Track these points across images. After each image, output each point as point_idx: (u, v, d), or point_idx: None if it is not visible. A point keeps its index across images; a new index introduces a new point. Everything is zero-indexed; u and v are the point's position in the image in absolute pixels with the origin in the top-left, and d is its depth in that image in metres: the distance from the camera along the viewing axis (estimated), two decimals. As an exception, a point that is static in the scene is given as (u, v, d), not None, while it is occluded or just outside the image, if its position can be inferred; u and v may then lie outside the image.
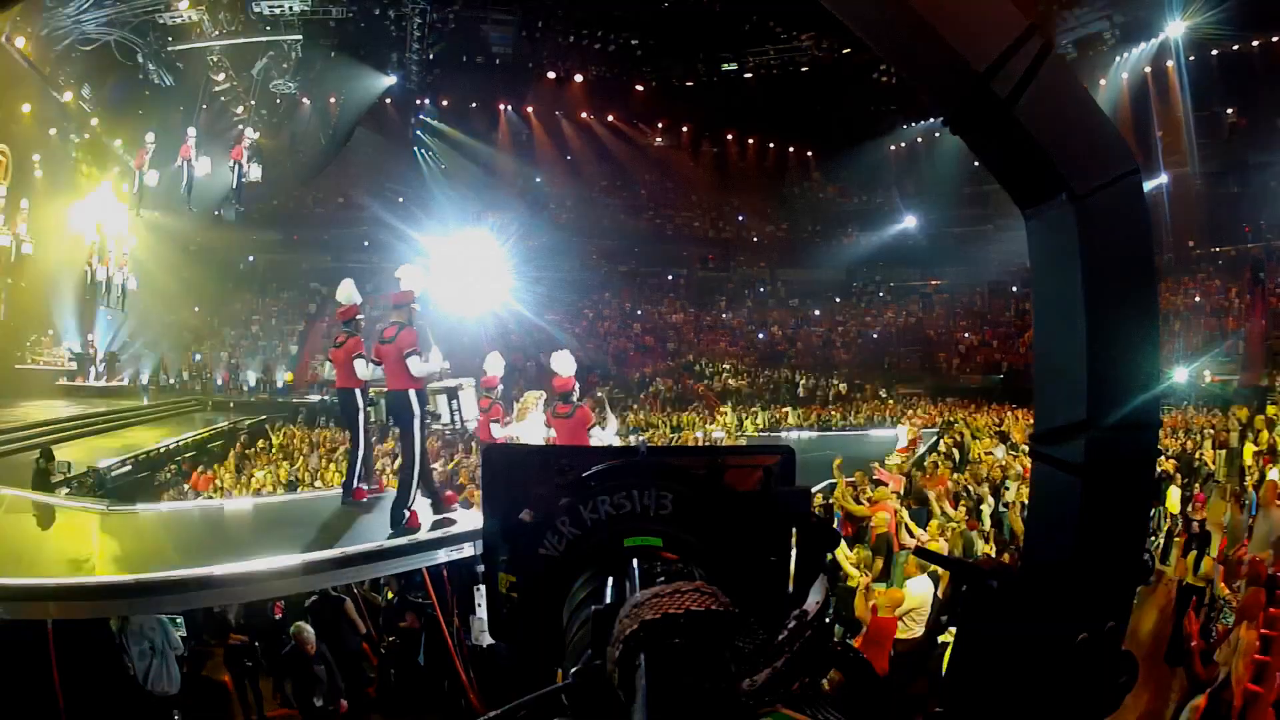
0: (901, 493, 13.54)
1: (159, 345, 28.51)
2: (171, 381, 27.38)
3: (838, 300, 47.87)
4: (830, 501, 12.17)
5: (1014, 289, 44.56)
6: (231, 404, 25.63)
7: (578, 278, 43.62)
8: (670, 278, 47.34)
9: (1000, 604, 1.77)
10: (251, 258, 37.27)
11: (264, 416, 23.83)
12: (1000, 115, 1.89)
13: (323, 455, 18.00)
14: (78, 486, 15.33)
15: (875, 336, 44.40)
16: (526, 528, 1.16)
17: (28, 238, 23.75)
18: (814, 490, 11.15)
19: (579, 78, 41.83)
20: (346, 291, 8.62)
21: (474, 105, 42.81)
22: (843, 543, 9.81)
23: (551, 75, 41.57)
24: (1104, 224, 1.82)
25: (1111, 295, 1.83)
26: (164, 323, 29.45)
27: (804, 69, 40.47)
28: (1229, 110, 37.37)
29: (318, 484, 15.44)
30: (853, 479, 13.35)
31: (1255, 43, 34.23)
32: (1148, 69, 36.12)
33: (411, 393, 7.62)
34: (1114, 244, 1.84)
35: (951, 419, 26.51)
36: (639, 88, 43.44)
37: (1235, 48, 34.36)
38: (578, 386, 9.33)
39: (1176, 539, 11.41)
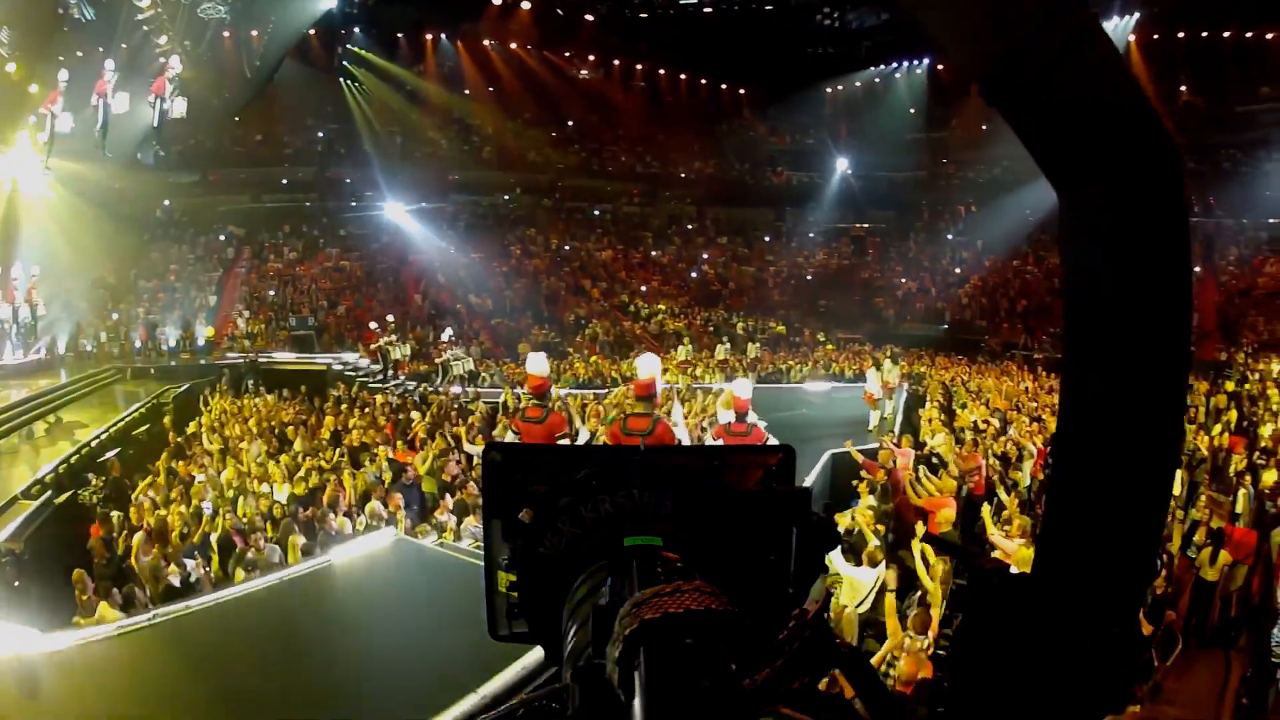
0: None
1: (76, 309, 26.16)
2: (89, 348, 24.83)
3: (767, 240, 47.25)
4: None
5: (949, 236, 44.69)
6: (153, 370, 23.41)
7: (504, 212, 42.39)
8: (597, 213, 45.95)
9: (1002, 603, 1.81)
10: (168, 202, 34.51)
11: (188, 384, 21.66)
12: (1037, 89, 1.92)
13: (264, 445, 15.96)
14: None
15: (810, 279, 43.64)
16: (526, 527, 1.14)
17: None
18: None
19: (526, 4, 40.06)
20: (539, 364, 8.02)
21: (402, 35, 40.65)
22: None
23: (497, 2, 39.71)
24: (1139, 208, 1.83)
25: (1144, 282, 1.86)
26: (80, 283, 27.24)
27: (768, 6, 39.48)
28: (1182, 89, 39.42)
29: (274, 494, 13.16)
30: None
31: (1225, 32, 36.40)
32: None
33: None
34: (1148, 229, 1.83)
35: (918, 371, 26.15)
36: (588, 17, 41.99)
37: (1203, 34, 36.55)
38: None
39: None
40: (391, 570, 9.70)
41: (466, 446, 13.79)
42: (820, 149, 48.24)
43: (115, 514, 12.12)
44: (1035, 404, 21.27)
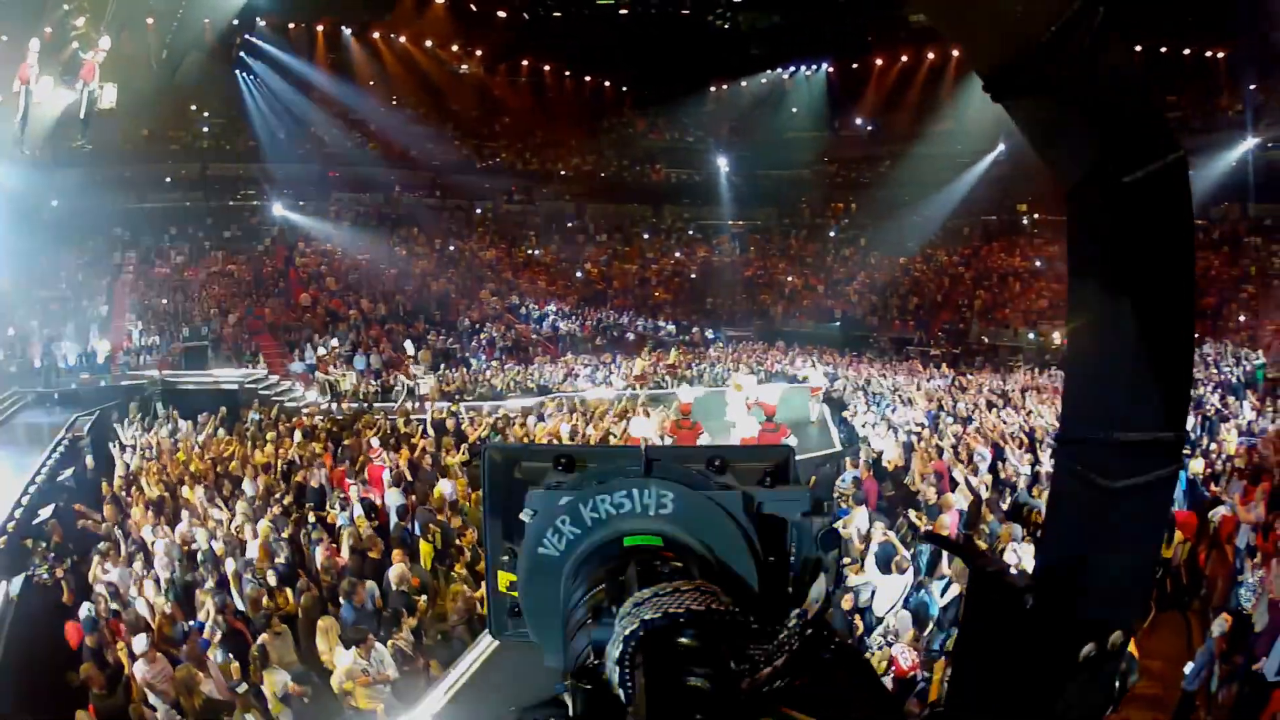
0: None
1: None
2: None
3: (646, 237, 47.54)
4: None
5: (831, 234, 45.76)
6: (56, 394, 21.62)
7: (386, 210, 41.34)
8: (479, 211, 45.28)
9: (1002, 603, 1.73)
10: (55, 202, 31.84)
11: (96, 411, 19.91)
12: (1048, 89, 1.78)
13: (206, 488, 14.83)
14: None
15: (693, 277, 44.00)
16: (526, 527, 1.12)
17: None
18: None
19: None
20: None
21: (294, 24, 38.81)
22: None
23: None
24: (1146, 212, 1.71)
25: (1151, 291, 1.74)
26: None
27: (684, 11, 39.58)
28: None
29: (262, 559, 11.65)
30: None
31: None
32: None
33: None
34: (1155, 234, 1.73)
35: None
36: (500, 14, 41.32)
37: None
38: None
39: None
40: None
41: None
42: (701, 147, 48.74)
43: (86, 607, 10.59)
44: (959, 404, 21.97)
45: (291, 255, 35.15)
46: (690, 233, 47.92)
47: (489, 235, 43.73)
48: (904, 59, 42.96)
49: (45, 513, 14.43)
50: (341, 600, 10.27)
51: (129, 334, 26.94)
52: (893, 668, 8.70)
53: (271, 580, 10.83)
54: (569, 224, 46.84)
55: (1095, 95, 1.66)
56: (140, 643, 9.32)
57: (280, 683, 8.80)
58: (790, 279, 43.30)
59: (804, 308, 41.00)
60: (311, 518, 13.19)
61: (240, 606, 10.62)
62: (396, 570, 10.78)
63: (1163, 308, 1.71)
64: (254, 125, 36.73)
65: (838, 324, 38.65)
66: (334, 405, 23.14)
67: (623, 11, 40.20)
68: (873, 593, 10.51)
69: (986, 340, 35.49)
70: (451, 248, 41.11)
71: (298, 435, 17.99)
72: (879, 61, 43.93)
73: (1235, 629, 9.33)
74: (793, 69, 46.38)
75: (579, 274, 43.03)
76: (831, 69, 45.49)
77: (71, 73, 19.59)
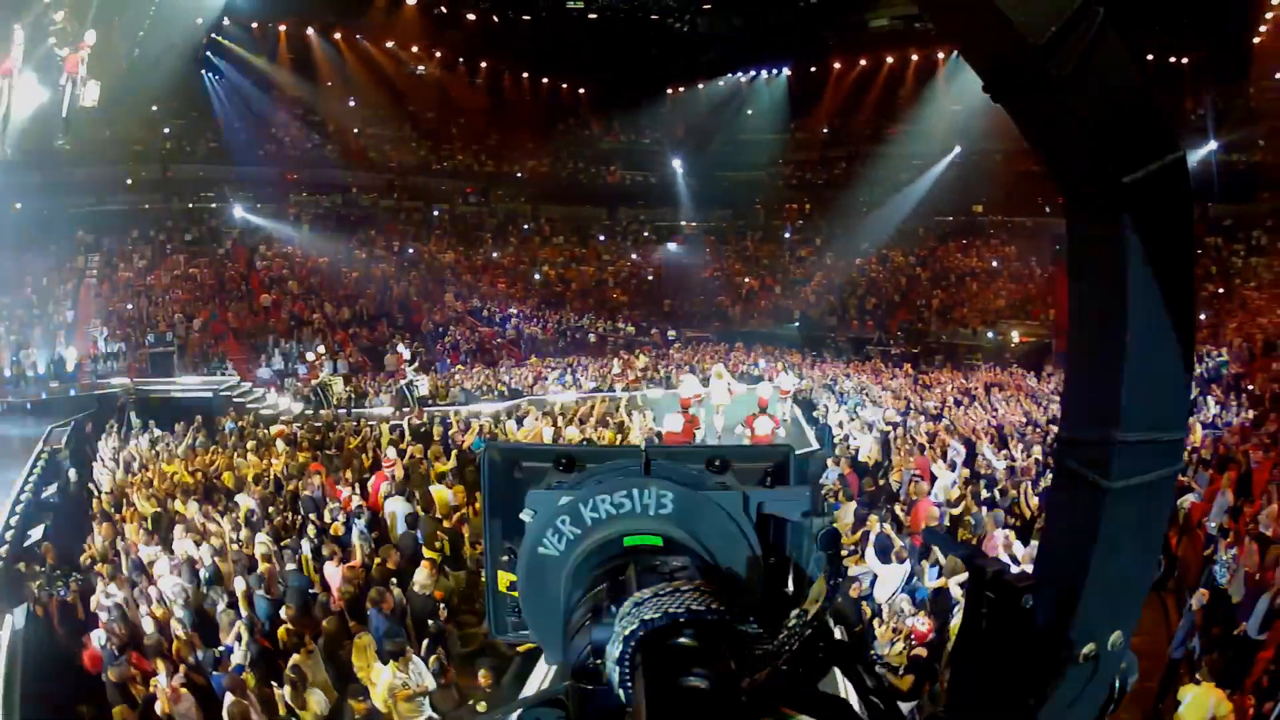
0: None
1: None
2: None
3: (601, 239, 47.64)
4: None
5: (786, 235, 46.08)
6: (28, 404, 21.08)
7: (345, 213, 40.80)
8: (436, 213, 44.94)
9: (1001, 603, 1.70)
10: (20, 204, 30.65)
11: (69, 422, 19.40)
12: (1048, 89, 1.72)
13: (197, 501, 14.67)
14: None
15: (650, 278, 44.11)
16: (526, 527, 1.14)
17: None
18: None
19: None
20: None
21: (257, 24, 37.89)
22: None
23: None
24: (1146, 211, 1.69)
25: (1151, 291, 1.72)
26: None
27: (653, 16, 39.53)
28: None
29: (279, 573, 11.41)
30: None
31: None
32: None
33: None
34: (1155, 233, 1.70)
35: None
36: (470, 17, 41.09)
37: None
38: None
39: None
40: None
41: None
42: (657, 150, 48.69)
43: (100, 636, 10.24)
44: (928, 401, 22.46)
45: (253, 259, 34.62)
46: (645, 234, 48.00)
47: (447, 238, 43.47)
48: (862, 63, 43.34)
49: (36, 533, 14.19)
50: (370, 609, 10.12)
51: (94, 340, 26.37)
52: (913, 637, 9.69)
53: (290, 597, 10.68)
54: (524, 226, 46.66)
55: (1095, 95, 1.71)
56: (164, 676, 9.09)
57: (321, 702, 8.72)
58: (747, 280, 43.56)
59: (761, 309, 41.28)
60: (312, 530, 12.95)
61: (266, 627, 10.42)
62: (421, 574, 10.66)
63: (1163, 308, 1.73)
64: (216, 126, 36.07)
65: (797, 324, 38.89)
66: (325, 412, 22.73)
67: (592, 16, 39.95)
68: (873, 580, 11.23)
69: (945, 339, 36.08)
70: (411, 250, 40.80)
71: (280, 445, 17.75)
72: (837, 65, 44.20)
73: (1212, 602, 10.32)
74: (752, 73, 46.60)
75: (537, 276, 42.89)
76: (790, 72, 45.75)
77: (47, 69, 18.97)
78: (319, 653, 9.63)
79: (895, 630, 10.36)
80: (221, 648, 9.91)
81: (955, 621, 9.83)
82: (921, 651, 9.67)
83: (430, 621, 10.23)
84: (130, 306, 29.10)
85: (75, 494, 16.05)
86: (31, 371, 22.79)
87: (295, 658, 9.26)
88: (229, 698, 8.55)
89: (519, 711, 0.99)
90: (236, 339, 29.00)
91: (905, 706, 9.35)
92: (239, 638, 9.77)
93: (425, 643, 9.69)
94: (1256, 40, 35.08)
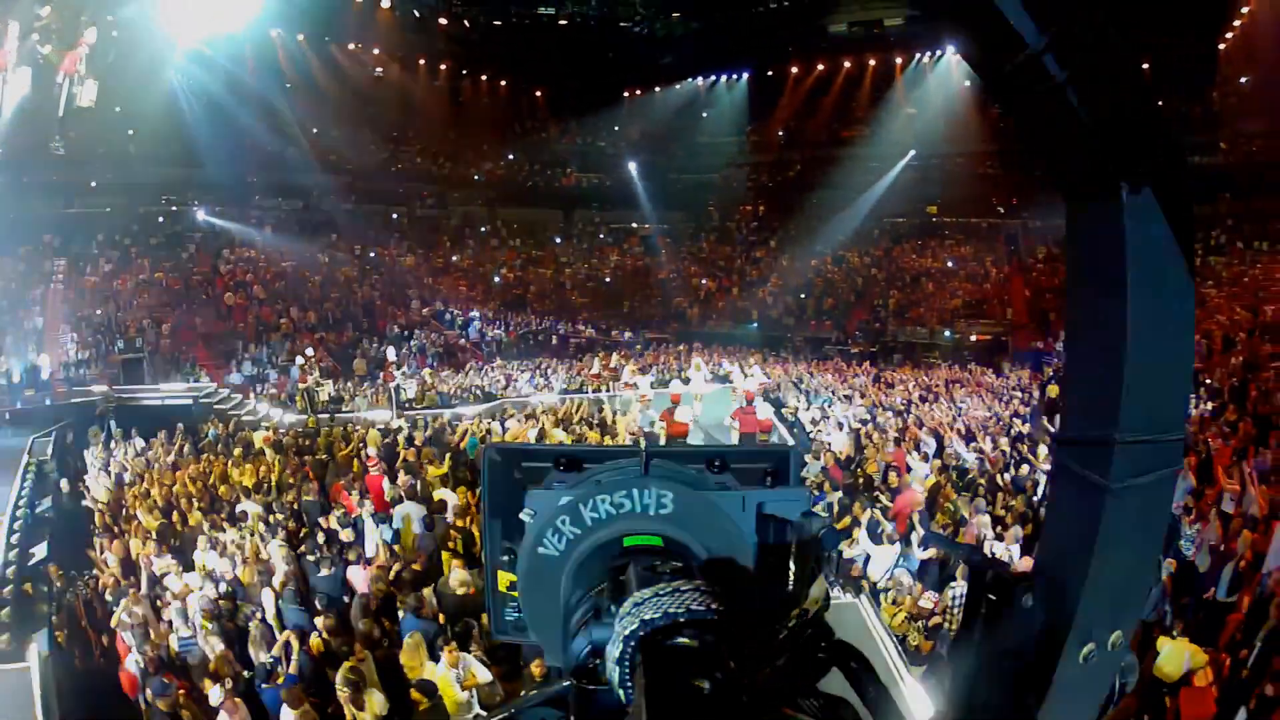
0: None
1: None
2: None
3: (558, 241, 47.80)
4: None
5: (738, 235, 46.48)
6: (7, 414, 20.73)
7: (306, 216, 40.53)
8: (395, 216, 44.81)
9: (1004, 604, 1.79)
10: None
11: (50, 432, 19.05)
12: (1048, 89, 1.78)
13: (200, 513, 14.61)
14: None
15: (608, 280, 44.41)
16: (526, 527, 1.16)
17: None
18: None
19: (385, 3, 38.12)
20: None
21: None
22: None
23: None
24: (1146, 211, 1.76)
25: (1150, 291, 1.79)
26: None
27: (623, 24, 39.58)
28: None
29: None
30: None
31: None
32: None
33: None
34: (1155, 233, 1.79)
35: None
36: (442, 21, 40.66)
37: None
38: None
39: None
40: None
41: None
42: (613, 152, 48.91)
43: (135, 660, 10.07)
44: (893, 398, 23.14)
45: (217, 263, 34.26)
46: (601, 237, 48.33)
47: (406, 240, 43.40)
48: (820, 67, 43.84)
49: (39, 552, 13.97)
50: (405, 615, 10.17)
51: (64, 347, 25.99)
52: (925, 619, 10.84)
53: (325, 604, 10.71)
54: (482, 229, 46.76)
55: (1095, 95, 1.76)
56: (216, 694, 8.99)
57: (380, 703, 8.79)
58: (705, 281, 43.99)
59: (719, 310, 41.70)
60: (320, 536, 12.99)
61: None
62: (459, 573, 10.65)
63: (1162, 308, 1.80)
64: (177, 128, 35.51)
65: (755, 325, 39.35)
66: (309, 417, 22.64)
67: (562, 23, 39.99)
68: (866, 560, 12.47)
69: (902, 338, 36.79)
70: (372, 254, 40.66)
71: (269, 452, 17.71)
72: (794, 70, 44.70)
73: (1180, 573, 11.32)
74: (712, 77, 46.96)
75: (496, 279, 42.99)
76: (748, 76, 46.17)
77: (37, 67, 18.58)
78: (370, 656, 9.52)
79: (895, 603, 11.49)
80: (268, 658, 9.83)
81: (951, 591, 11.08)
82: (938, 619, 10.73)
83: (466, 619, 10.10)
84: (99, 312, 28.60)
85: (70, 507, 15.83)
86: (3, 379, 22.34)
87: (348, 661, 9.20)
88: (289, 713, 8.54)
89: (519, 711, 1.03)
90: (205, 344, 28.75)
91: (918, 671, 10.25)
92: (287, 648, 9.73)
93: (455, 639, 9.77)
94: (1221, 46, 36.08)
